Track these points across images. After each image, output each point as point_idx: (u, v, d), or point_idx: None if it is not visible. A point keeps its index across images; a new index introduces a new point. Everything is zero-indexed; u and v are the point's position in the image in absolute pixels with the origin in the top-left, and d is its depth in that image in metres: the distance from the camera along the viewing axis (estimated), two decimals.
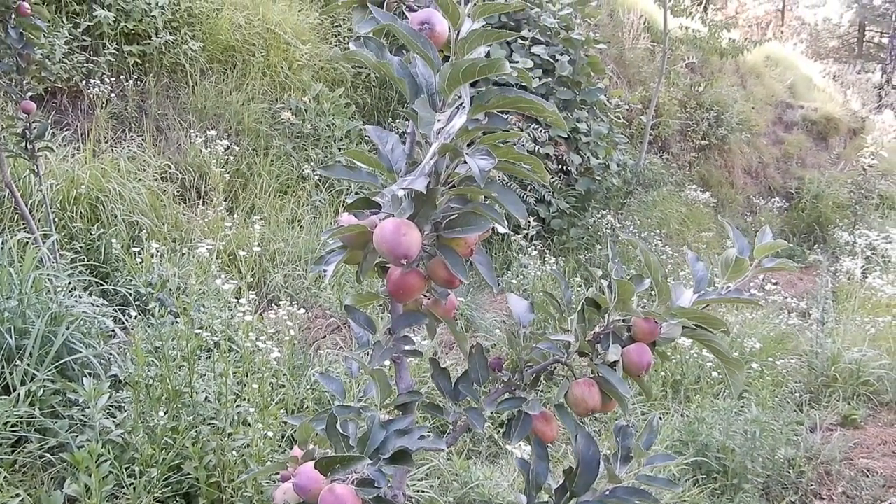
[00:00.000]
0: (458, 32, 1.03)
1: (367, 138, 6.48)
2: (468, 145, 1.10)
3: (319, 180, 5.69)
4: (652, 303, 1.38)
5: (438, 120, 0.98)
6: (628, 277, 1.29)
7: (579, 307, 1.30)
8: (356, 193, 5.70)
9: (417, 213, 1.07)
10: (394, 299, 1.20)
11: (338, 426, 1.14)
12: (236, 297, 3.30)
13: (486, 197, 1.15)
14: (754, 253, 1.36)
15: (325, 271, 1.21)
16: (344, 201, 5.64)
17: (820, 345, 5.46)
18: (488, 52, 1.18)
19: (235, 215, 5.03)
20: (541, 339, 1.29)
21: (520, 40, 7.10)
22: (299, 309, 3.37)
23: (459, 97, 1.08)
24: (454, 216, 1.13)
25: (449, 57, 1.13)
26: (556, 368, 1.33)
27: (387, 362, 1.30)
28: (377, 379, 1.25)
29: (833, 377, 5.18)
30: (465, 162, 1.05)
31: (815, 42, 29.06)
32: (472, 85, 1.09)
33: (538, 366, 1.31)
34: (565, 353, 1.29)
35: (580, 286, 5.12)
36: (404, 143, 1.21)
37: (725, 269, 1.36)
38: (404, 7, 1.24)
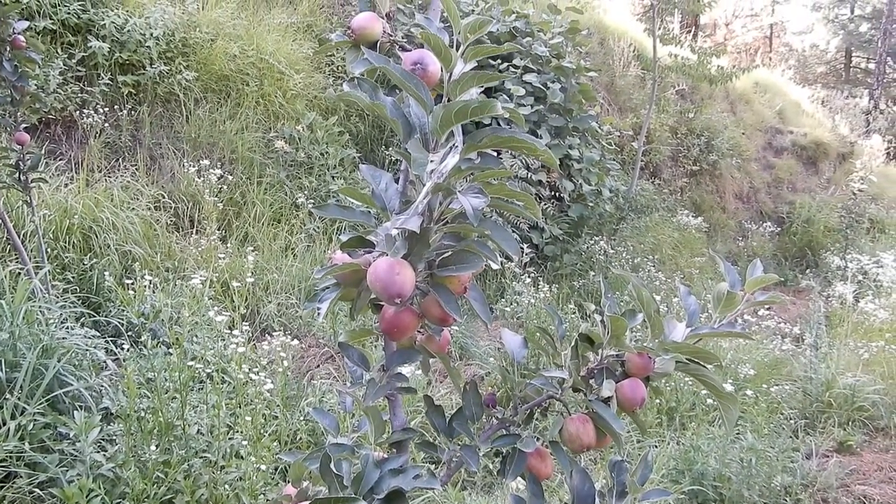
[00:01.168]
0: (451, 74, 1.04)
1: (360, 164, 6.51)
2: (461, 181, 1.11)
3: (313, 208, 5.70)
4: (645, 335, 1.38)
5: (431, 161, 0.99)
6: (621, 313, 1.29)
7: (573, 343, 1.30)
8: (350, 224, 5.70)
9: (411, 252, 1.08)
10: (387, 337, 1.20)
11: (332, 466, 1.13)
12: (229, 329, 3.28)
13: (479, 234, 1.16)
14: (745, 286, 1.37)
15: (318, 309, 1.22)
16: (337, 229, 5.65)
17: (814, 370, 5.47)
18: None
19: (229, 244, 5.03)
20: (534, 374, 1.29)
21: (512, 69, 7.17)
22: (293, 340, 3.36)
23: (452, 135, 1.10)
24: (448, 254, 1.13)
25: (442, 95, 1.14)
26: (550, 404, 1.33)
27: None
28: (371, 416, 1.24)
29: (828, 403, 5.18)
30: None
31: (802, 68, 29.48)
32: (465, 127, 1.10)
33: (532, 402, 1.31)
34: (559, 388, 1.29)
35: (574, 314, 5.12)
36: (397, 181, 1.22)
37: (717, 303, 1.36)
38: (397, 47, 1.25)
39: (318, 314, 1.23)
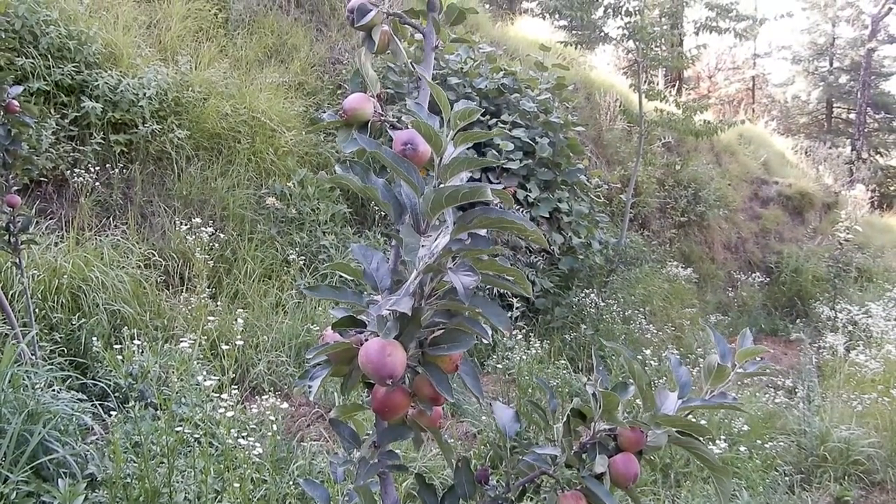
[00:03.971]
0: (441, 158, 1.06)
1: (351, 218, 6.54)
2: (452, 259, 1.12)
3: (304, 265, 5.70)
4: (638, 403, 1.38)
5: (423, 245, 1.00)
6: (612, 387, 1.30)
7: (565, 417, 1.29)
8: (339, 276, 5.71)
9: (402, 332, 1.08)
10: (379, 417, 1.19)
11: None
12: (218, 393, 3.25)
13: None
14: (736, 358, 1.38)
15: (309, 387, 1.21)
16: (328, 284, 5.63)
17: (808, 423, 5.44)
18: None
19: (219, 302, 5.00)
20: (528, 443, 1.28)
21: (500, 124, 7.29)
22: (283, 402, 3.32)
23: (443, 215, 1.11)
24: (439, 333, 1.14)
25: (433, 173, 1.16)
26: (542, 480, 1.32)
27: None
28: (362, 496, 1.23)
29: (823, 457, 5.14)
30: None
31: (785, 118, 30.07)
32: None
33: (525, 478, 1.30)
34: (551, 464, 1.28)
35: (565, 370, 5.10)
36: (388, 259, 1.23)
37: (708, 375, 1.37)
38: (388, 126, 1.28)
39: (310, 392, 1.23)
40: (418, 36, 1.36)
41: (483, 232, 1.12)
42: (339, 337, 1.18)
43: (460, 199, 1.01)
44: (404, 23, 1.35)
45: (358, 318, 1.15)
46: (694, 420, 1.32)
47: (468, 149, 1.17)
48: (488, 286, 1.11)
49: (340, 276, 5.68)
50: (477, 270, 1.09)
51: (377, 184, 1.08)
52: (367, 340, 1.11)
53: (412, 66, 1.20)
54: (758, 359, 1.43)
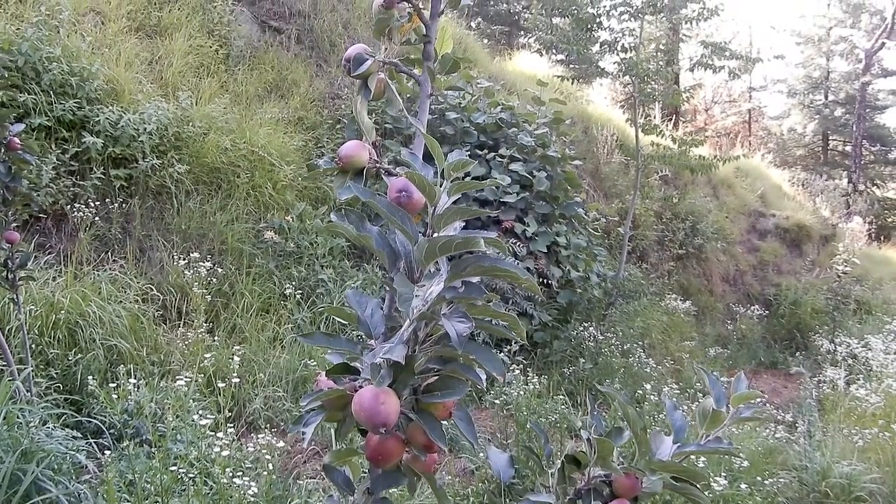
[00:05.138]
0: (435, 208, 1.08)
1: (349, 252, 6.55)
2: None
3: (302, 298, 5.70)
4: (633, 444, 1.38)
5: (417, 295, 1.01)
6: (607, 432, 1.29)
7: (559, 464, 1.29)
8: (340, 323, 5.70)
9: (396, 380, 1.09)
10: (373, 464, 1.19)
11: None
12: (213, 431, 3.23)
13: None
14: (731, 402, 1.38)
15: (303, 433, 1.21)
16: (325, 320, 5.63)
17: (809, 459, 5.39)
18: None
19: (216, 336, 5.00)
20: (521, 498, 1.27)
21: (498, 158, 7.34)
22: (278, 441, 3.30)
23: (437, 262, 1.12)
24: (433, 379, 1.14)
25: (427, 221, 1.17)
26: None
27: None
28: None
29: (825, 493, 5.08)
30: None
31: (782, 151, 30.28)
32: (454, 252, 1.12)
33: None
34: None
35: (564, 405, 5.08)
36: (382, 304, 1.24)
37: (704, 420, 1.37)
38: (383, 172, 1.29)
39: (304, 438, 1.22)
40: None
41: (476, 279, 1.12)
42: (333, 383, 1.18)
43: (454, 249, 1.02)
44: (400, 71, 1.37)
45: (352, 364, 1.15)
46: (690, 466, 1.31)
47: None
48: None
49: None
50: (470, 317, 1.09)
51: (372, 232, 1.10)
52: (361, 388, 1.12)
53: (407, 116, 1.23)
54: (757, 400, 1.43)
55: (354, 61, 1.30)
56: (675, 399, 6.17)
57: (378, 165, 1.29)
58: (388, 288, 1.26)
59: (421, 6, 1.34)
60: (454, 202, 1.08)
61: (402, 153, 1.24)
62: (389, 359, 1.06)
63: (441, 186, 1.07)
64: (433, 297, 1.06)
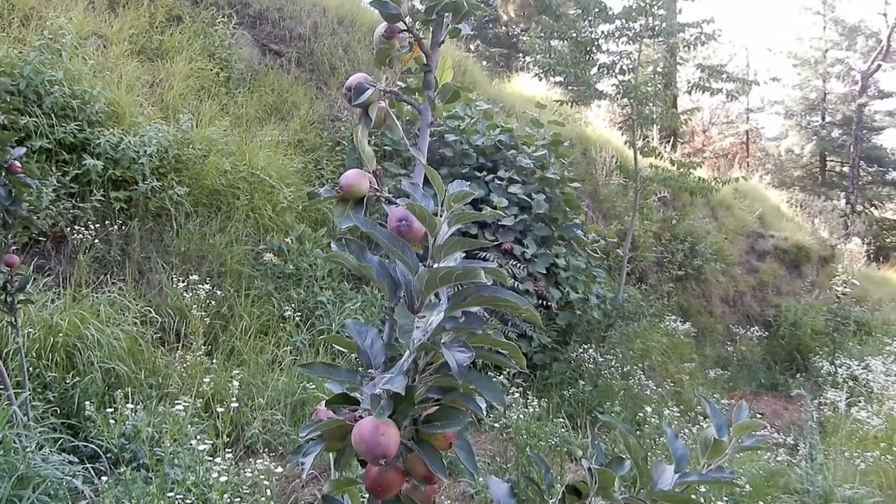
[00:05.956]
0: (435, 239, 1.08)
1: (349, 274, 6.54)
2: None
3: (301, 320, 5.69)
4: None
5: (417, 327, 1.00)
6: (608, 462, 1.29)
7: (560, 495, 1.28)
8: (336, 332, 5.69)
9: (396, 411, 1.08)
10: (372, 495, 1.18)
11: None
12: (211, 456, 3.21)
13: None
14: (733, 432, 1.37)
15: (302, 463, 1.20)
16: (323, 343, 5.61)
17: (811, 482, 5.35)
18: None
19: (214, 359, 4.97)
20: None
21: (497, 180, 7.36)
22: (276, 466, 3.27)
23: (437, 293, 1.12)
24: (433, 410, 1.13)
25: (427, 246, 1.18)
26: None
27: None
28: None
29: None
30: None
31: (780, 172, 30.38)
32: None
33: None
34: None
35: (564, 428, 5.04)
36: (382, 332, 1.24)
37: (705, 449, 1.36)
38: (383, 200, 1.30)
39: (303, 469, 1.22)
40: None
41: (477, 308, 1.12)
42: (332, 413, 1.18)
43: (454, 280, 1.02)
44: (401, 100, 1.38)
45: (352, 395, 1.15)
46: (692, 495, 1.30)
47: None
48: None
49: (338, 333, 5.66)
50: (470, 346, 1.09)
51: (372, 262, 1.10)
52: (360, 418, 1.11)
53: (407, 144, 1.23)
54: (757, 429, 1.42)
55: (355, 90, 1.31)
56: (675, 423, 6.13)
57: (378, 194, 1.29)
58: (388, 317, 1.26)
59: (421, 36, 1.35)
60: (454, 232, 1.08)
61: (402, 183, 1.24)
62: (389, 390, 1.06)
63: (441, 217, 1.07)
64: (433, 327, 1.05)
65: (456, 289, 1.11)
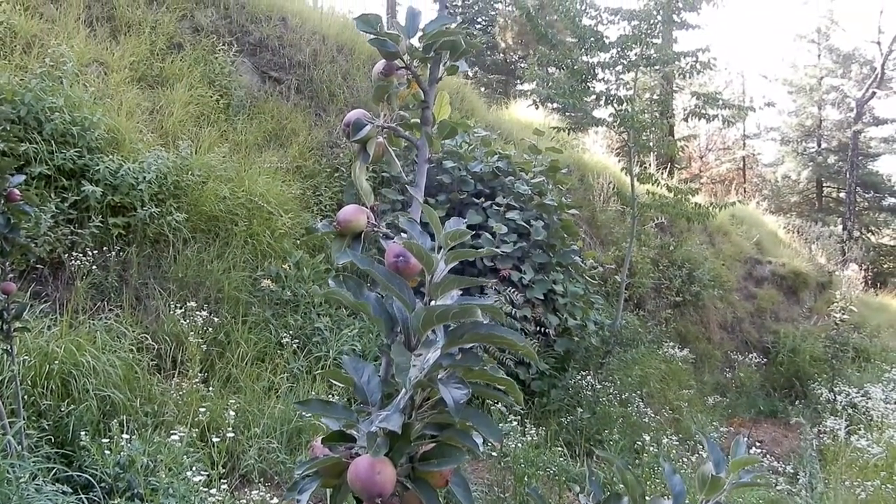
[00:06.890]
0: (432, 276, 1.08)
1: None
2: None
3: (298, 347, 5.67)
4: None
5: (414, 365, 1.01)
6: (606, 498, 1.28)
7: None
8: (334, 359, 5.67)
9: (392, 449, 1.08)
10: None
11: None
12: (206, 487, 3.18)
13: None
14: (731, 467, 1.36)
15: (298, 500, 1.20)
16: (321, 367, 5.59)
17: None
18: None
19: (211, 386, 4.95)
20: None
21: (495, 206, 7.38)
22: (272, 497, 3.24)
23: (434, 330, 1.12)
24: (429, 447, 1.13)
25: (424, 281, 1.18)
26: None
27: None
28: None
29: None
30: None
31: (776, 197, 30.51)
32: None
33: None
34: None
35: (562, 456, 5.01)
36: (379, 367, 1.24)
37: (703, 485, 1.35)
38: (381, 235, 1.30)
39: None
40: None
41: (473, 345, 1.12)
42: (328, 450, 1.17)
43: (451, 319, 1.02)
44: (399, 135, 1.39)
45: (348, 432, 1.14)
46: None
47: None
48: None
49: (335, 360, 5.65)
50: (467, 383, 1.09)
51: (369, 299, 1.10)
52: (356, 455, 1.11)
53: (404, 178, 1.24)
54: (754, 465, 1.42)
55: (354, 126, 1.32)
56: (674, 451, 6.08)
57: (376, 230, 1.30)
58: (384, 354, 1.26)
59: (419, 73, 1.37)
60: (451, 269, 1.09)
61: (399, 220, 1.25)
62: (386, 428, 1.05)
63: (438, 254, 1.07)
64: (430, 364, 1.05)
65: (453, 325, 1.11)
